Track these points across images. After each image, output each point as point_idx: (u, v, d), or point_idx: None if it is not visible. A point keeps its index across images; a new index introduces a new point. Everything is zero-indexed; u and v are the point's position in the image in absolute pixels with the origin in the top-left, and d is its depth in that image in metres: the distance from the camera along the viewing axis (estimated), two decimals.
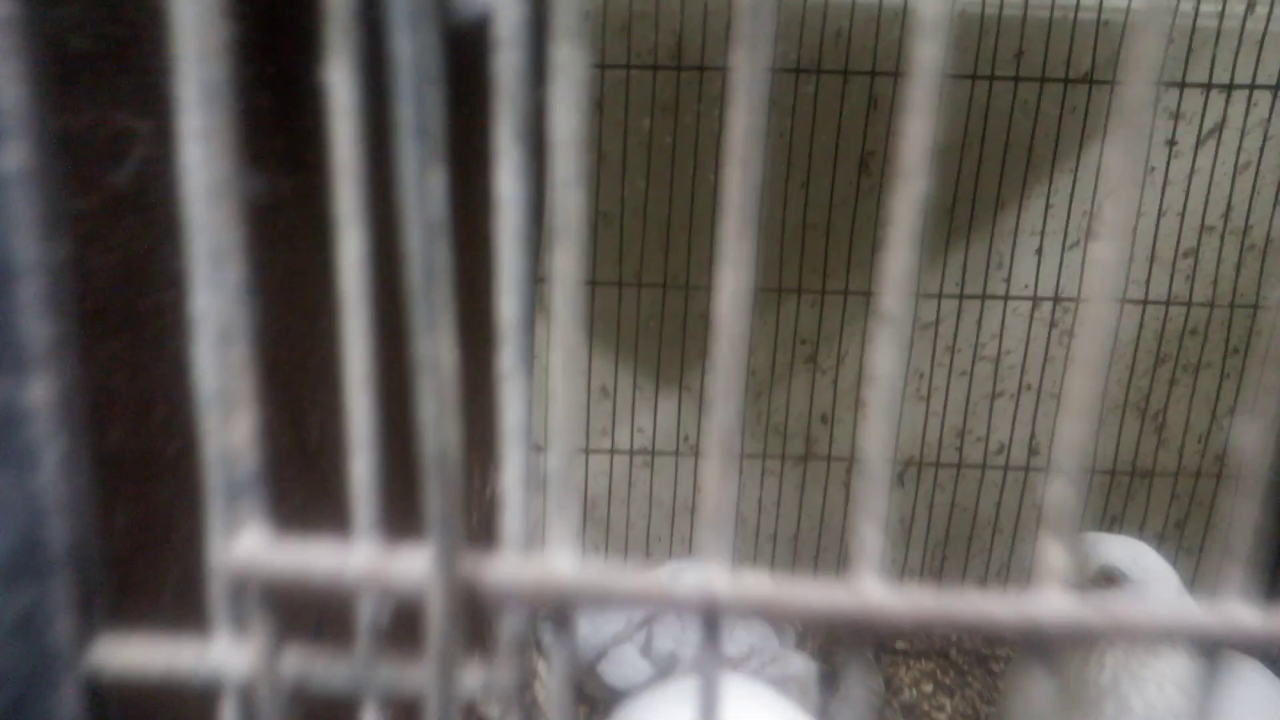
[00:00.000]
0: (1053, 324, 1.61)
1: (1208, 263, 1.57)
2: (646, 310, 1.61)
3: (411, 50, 0.16)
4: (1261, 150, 1.51)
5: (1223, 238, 1.55)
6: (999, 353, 1.63)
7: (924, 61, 0.16)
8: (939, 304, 1.58)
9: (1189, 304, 1.57)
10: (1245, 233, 1.55)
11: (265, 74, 0.45)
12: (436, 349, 0.17)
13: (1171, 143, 1.51)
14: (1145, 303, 1.57)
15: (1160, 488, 1.64)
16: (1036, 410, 1.64)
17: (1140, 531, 1.63)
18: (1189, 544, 1.66)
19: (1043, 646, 0.19)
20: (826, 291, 1.57)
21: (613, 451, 1.68)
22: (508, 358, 0.19)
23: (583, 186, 0.17)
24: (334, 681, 0.21)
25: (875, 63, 1.47)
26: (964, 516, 1.70)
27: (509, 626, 0.19)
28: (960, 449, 1.67)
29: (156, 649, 0.21)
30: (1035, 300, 1.59)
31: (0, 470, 0.20)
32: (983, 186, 1.50)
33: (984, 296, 1.58)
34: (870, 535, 0.18)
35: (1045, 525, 0.19)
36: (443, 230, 0.16)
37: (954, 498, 1.69)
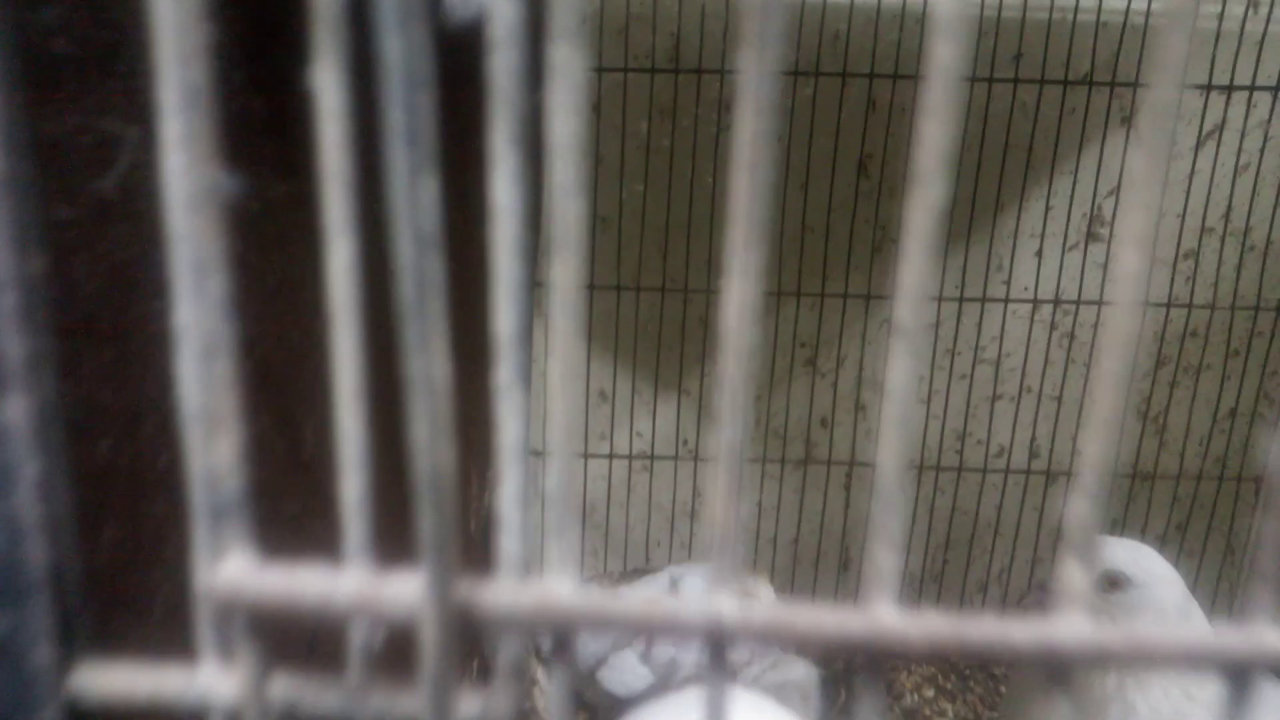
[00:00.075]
0: (1053, 326, 1.61)
1: (1208, 265, 1.57)
2: (645, 314, 1.60)
3: (401, 51, 0.15)
4: (1261, 152, 1.51)
5: (1223, 239, 1.54)
6: (999, 355, 1.62)
7: (940, 61, 0.15)
8: (939, 307, 1.57)
9: (1189, 306, 1.56)
10: (1245, 234, 1.55)
11: (258, 76, 0.44)
12: (429, 367, 0.16)
13: (1170, 144, 1.51)
14: (1145, 305, 1.56)
15: (1161, 490, 1.64)
16: (1037, 413, 1.64)
17: (1141, 534, 1.62)
18: (1190, 547, 1.65)
19: (1063, 672, 0.19)
20: (825, 295, 1.56)
21: (611, 456, 1.67)
22: (504, 373, 0.18)
23: (583, 194, 0.16)
24: (324, 708, 0.20)
25: (873, 65, 1.46)
26: (965, 520, 1.69)
27: (506, 653, 0.18)
28: (961, 452, 1.67)
29: (140, 675, 0.21)
30: (1035, 303, 1.58)
31: None
32: (982, 189, 1.49)
33: (984, 299, 1.57)
34: (883, 557, 0.18)
35: (1066, 545, 0.18)
36: (435, 241, 0.16)
37: (955, 501, 1.68)
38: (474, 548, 0.92)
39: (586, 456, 1.66)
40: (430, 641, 0.17)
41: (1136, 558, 1.00)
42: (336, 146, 0.17)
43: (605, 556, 1.74)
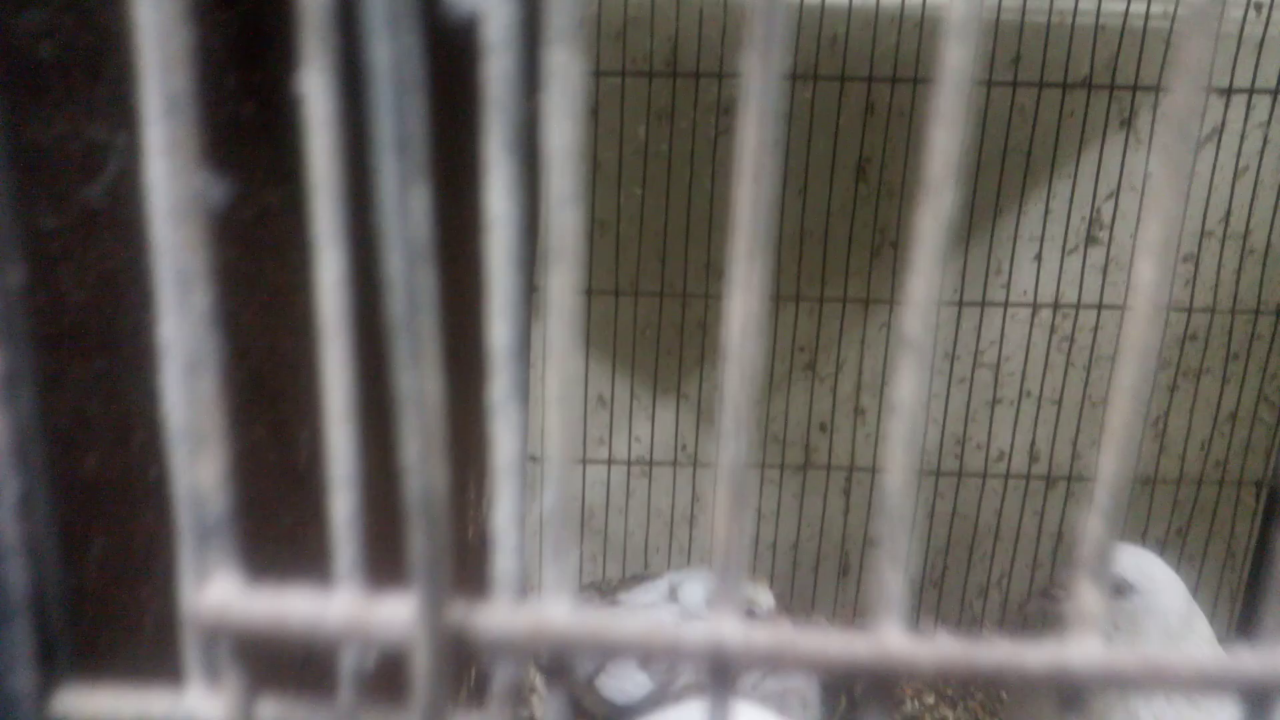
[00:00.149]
0: (1053, 330, 1.60)
1: (1207, 268, 1.56)
2: (643, 319, 1.60)
3: (390, 56, 0.15)
4: (1261, 154, 1.50)
5: (1222, 243, 1.54)
6: (999, 359, 1.62)
7: (951, 66, 0.14)
8: (938, 310, 1.56)
9: (1189, 310, 1.56)
10: (1245, 237, 1.54)
11: (252, 80, 0.44)
12: (421, 384, 0.15)
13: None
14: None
15: (1162, 495, 1.63)
16: (1037, 417, 1.63)
17: (1142, 539, 1.62)
18: (1191, 551, 1.64)
19: (1076, 696, 0.18)
20: (824, 299, 1.56)
21: (610, 461, 1.67)
22: (500, 388, 0.17)
23: (580, 203, 0.16)
24: None
25: (872, 68, 1.46)
26: (965, 525, 1.69)
27: (501, 677, 0.18)
28: (960, 457, 1.66)
29: (124, 698, 0.20)
30: (1035, 306, 1.58)
31: None
32: (981, 192, 1.48)
33: (983, 303, 1.57)
34: (891, 579, 0.17)
35: (1079, 565, 0.17)
36: (427, 253, 0.15)
37: (955, 506, 1.67)
38: (472, 556, 0.92)
39: (585, 462, 1.65)
40: (422, 667, 0.17)
41: (1139, 564, 0.99)
42: (326, 154, 0.17)
43: (604, 562, 1.73)
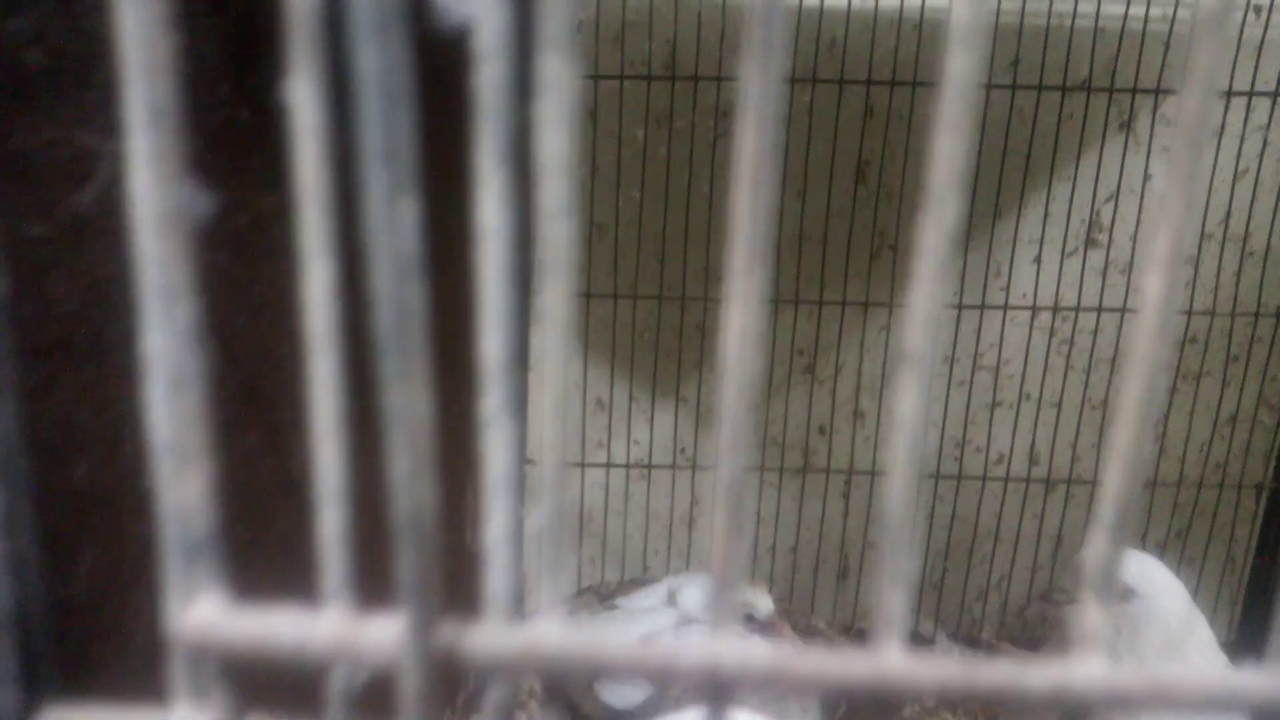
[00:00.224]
0: (1052, 333, 1.60)
1: (1207, 270, 1.56)
2: (642, 322, 1.59)
3: (378, 64, 0.14)
4: (1260, 157, 1.50)
5: (1222, 245, 1.53)
6: (998, 362, 1.62)
7: (955, 73, 0.14)
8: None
9: (1189, 312, 1.55)
10: (1245, 240, 1.54)
11: (244, 87, 0.43)
12: (409, 400, 0.15)
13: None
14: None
15: (1161, 498, 1.63)
16: (1036, 420, 1.63)
17: (1142, 542, 1.61)
18: (1191, 554, 1.64)
19: (1079, 716, 0.18)
20: (823, 302, 1.56)
21: (609, 465, 1.66)
22: (493, 402, 0.17)
23: (574, 215, 0.15)
24: None
25: (871, 71, 1.45)
26: (964, 528, 1.68)
27: (493, 699, 0.17)
28: (960, 460, 1.66)
29: (108, 718, 0.20)
30: (1034, 309, 1.57)
31: None
32: (980, 195, 1.48)
33: (983, 306, 1.57)
34: (891, 598, 0.17)
35: (1085, 585, 0.17)
36: (416, 267, 0.15)
37: (954, 509, 1.67)
38: (469, 562, 0.91)
39: (584, 465, 1.65)
40: (411, 689, 0.16)
41: (1140, 568, 0.99)
42: (313, 164, 0.16)
43: (603, 566, 1.73)
